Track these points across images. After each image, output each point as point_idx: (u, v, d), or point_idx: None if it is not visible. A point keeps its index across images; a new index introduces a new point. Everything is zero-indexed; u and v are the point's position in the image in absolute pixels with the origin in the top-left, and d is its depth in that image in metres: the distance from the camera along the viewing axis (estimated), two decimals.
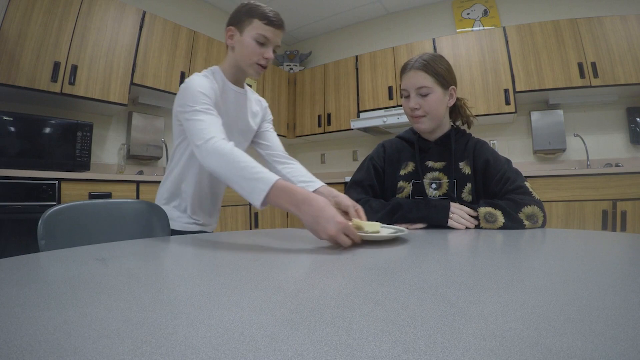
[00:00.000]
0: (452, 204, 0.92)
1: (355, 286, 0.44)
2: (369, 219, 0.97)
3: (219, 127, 0.93)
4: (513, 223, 0.88)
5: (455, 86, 1.07)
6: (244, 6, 1.06)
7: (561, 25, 2.78)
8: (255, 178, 0.78)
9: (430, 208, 0.92)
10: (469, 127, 1.16)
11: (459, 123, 1.16)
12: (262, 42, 1.04)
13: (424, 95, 1.01)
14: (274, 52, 1.08)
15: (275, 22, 1.04)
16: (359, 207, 0.90)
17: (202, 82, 1.01)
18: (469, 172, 1.03)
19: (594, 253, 0.63)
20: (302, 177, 1.19)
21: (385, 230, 0.78)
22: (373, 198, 1.07)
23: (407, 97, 1.05)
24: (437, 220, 0.90)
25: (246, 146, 1.24)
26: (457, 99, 1.10)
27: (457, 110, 1.14)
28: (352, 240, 0.68)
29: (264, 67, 1.08)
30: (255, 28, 1.03)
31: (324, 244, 0.74)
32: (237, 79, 1.14)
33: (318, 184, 1.16)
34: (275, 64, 4.43)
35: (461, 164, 1.05)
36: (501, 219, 0.88)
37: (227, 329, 0.28)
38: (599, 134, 2.93)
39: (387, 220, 0.94)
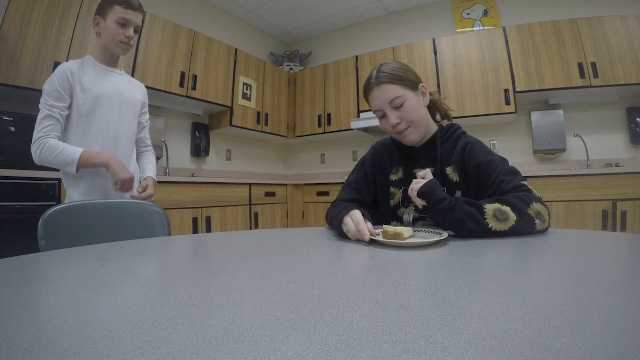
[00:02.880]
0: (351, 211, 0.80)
1: (355, 286, 0.44)
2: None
3: (50, 127, 1.18)
4: (524, 222, 0.76)
5: (421, 82, 1.01)
6: None
7: (561, 25, 2.78)
8: (67, 153, 1.17)
9: (338, 213, 0.84)
10: (449, 120, 1.10)
11: (437, 118, 1.11)
12: (123, 24, 1.23)
13: (399, 107, 0.95)
14: (137, 32, 1.29)
15: (132, 5, 1.24)
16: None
17: (61, 74, 1.21)
18: (457, 179, 0.96)
19: (594, 253, 0.63)
20: (142, 169, 1.51)
21: (419, 234, 0.76)
22: (352, 205, 0.92)
23: (383, 116, 0.98)
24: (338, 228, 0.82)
25: (134, 116, 1.40)
26: (430, 94, 1.04)
27: (432, 106, 1.07)
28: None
29: (128, 45, 1.27)
30: (116, 12, 1.22)
31: (323, 245, 0.74)
32: (109, 61, 1.32)
33: (148, 174, 1.48)
34: (276, 63, 4.43)
35: (448, 170, 0.97)
36: (512, 217, 0.75)
37: (227, 329, 0.28)
38: (599, 134, 2.93)
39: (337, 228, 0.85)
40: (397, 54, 3.46)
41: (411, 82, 0.97)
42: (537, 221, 0.78)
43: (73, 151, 1.17)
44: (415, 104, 0.96)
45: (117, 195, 1.32)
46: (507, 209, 0.77)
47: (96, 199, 1.33)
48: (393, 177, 1.05)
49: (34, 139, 1.18)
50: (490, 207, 0.76)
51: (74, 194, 1.27)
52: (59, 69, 1.22)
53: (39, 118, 1.19)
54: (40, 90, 2.11)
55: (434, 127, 1.04)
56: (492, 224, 0.75)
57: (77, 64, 1.25)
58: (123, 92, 1.33)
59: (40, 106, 1.19)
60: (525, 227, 0.77)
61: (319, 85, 3.96)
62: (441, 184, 0.94)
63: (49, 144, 1.16)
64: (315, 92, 3.99)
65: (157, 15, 2.79)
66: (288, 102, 4.15)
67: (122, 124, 1.33)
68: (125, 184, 1.24)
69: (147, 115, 1.50)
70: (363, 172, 1.11)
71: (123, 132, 1.33)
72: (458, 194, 0.95)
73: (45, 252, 0.68)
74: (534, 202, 0.80)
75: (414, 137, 0.98)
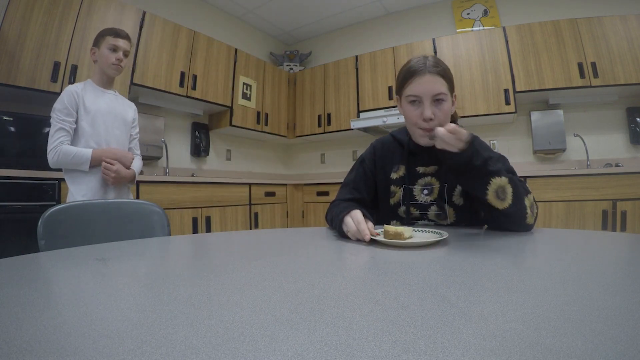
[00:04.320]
0: None
1: (355, 286, 0.44)
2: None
3: (63, 138, 1.41)
4: (517, 208, 0.78)
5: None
6: (99, 31, 1.52)
7: (561, 25, 2.78)
8: (81, 155, 1.42)
9: (339, 213, 0.84)
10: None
11: None
12: (113, 49, 1.50)
13: (439, 104, 0.91)
14: (126, 56, 1.55)
15: (120, 34, 1.51)
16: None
17: (69, 94, 1.44)
18: None
19: (594, 253, 0.63)
20: None
21: (420, 234, 0.76)
22: (352, 204, 0.91)
23: (416, 103, 0.93)
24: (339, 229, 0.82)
25: (126, 130, 1.63)
26: None
27: None
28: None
29: (119, 66, 1.52)
30: (107, 41, 1.49)
31: (323, 245, 0.74)
32: (105, 83, 1.57)
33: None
34: (276, 63, 4.43)
35: None
36: (509, 200, 0.78)
37: (227, 329, 0.28)
38: (599, 134, 2.93)
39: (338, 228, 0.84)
40: (397, 54, 3.46)
41: (453, 86, 0.95)
42: (528, 212, 0.80)
43: (85, 152, 1.43)
44: (449, 109, 0.94)
45: (113, 194, 1.52)
46: (509, 190, 0.79)
47: (95, 197, 1.46)
48: (394, 176, 1.05)
49: (50, 147, 1.40)
50: (495, 182, 0.78)
51: (75, 193, 1.45)
52: (66, 90, 1.45)
53: (52, 131, 1.41)
54: (40, 91, 2.14)
55: None
56: (492, 198, 0.78)
57: (81, 87, 1.50)
58: (116, 109, 1.58)
59: (52, 121, 1.42)
60: (515, 215, 0.79)
61: (319, 85, 3.96)
62: (444, 180, 0.97)
63: (64, 150, 1.40)
64: (315, 92, 3.99)
65: (157, 15, 2.79)
66: (288, 102, 4.15)
67: (114, 136, 1.56)
68: (121, 165, 1.50)
69: (137, 129, 1.73)
70: (362, 171, 1.10)
71: (115, 143, 1.55)
72: (459, 188, 0.96)
73: (45, 252, 0.68)
74: (531, 195, 0.84)
75: (434, 140, 0.95)
